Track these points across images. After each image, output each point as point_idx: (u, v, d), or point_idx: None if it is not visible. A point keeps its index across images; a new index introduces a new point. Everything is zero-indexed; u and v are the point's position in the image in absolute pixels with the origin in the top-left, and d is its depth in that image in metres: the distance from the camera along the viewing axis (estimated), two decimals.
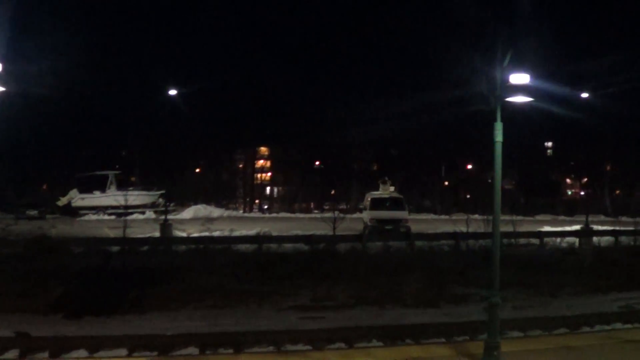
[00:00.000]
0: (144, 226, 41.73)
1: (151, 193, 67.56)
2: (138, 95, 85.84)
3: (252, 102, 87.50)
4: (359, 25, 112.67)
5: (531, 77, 11.74)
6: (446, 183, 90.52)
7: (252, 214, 78.45)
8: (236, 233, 37.82)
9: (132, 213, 54.25)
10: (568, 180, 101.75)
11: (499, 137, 11.90)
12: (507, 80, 11.65)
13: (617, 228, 40.28)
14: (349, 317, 19.59)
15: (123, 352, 14.63)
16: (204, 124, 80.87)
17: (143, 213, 60.03)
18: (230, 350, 14.95)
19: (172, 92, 49.65)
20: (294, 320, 19.09)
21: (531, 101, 11.87)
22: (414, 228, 40.30)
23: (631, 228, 38.24)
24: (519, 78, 11.62)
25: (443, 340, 15.96)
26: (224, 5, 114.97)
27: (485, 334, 12.68)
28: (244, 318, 19.34)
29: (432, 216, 69.57)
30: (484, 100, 11.95)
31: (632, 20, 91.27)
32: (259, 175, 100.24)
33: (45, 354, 14.31)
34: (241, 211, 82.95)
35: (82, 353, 14.46)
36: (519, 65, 11.66)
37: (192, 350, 14.92)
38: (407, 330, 16.72)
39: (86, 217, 60.64)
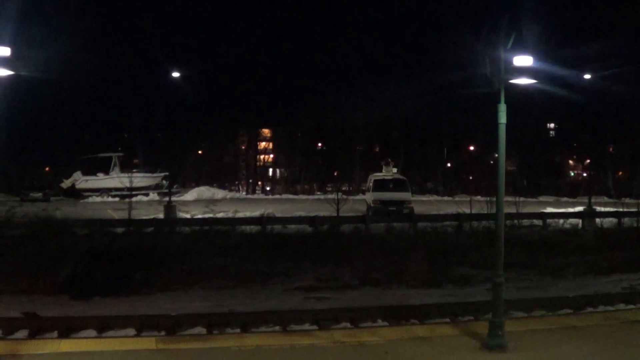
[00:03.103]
0: (148, 208, 41.92)
1: (154, 175, 67.87)
2: (141, 77, 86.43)
3: (255, 84, 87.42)
4: (363, 6, 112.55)
5: (534, 59, 11.81)
6: (449, 165, 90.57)
7: (255, 196, 78.76)
8: (240, 214, 38.02)
9: (135, 195, 54.26)
10: (570, 162, 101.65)
11: (502, 118, 11.96)
12: (511, 62, 11.71)
13: (620, 209, 40.13)
14: (353, 298, 19.70)
15: (131, 332, 14.66)
16: (206, 106, 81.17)
17: (147, 195, 60.28)
18: (237, 330, 14.94)
19: (175, 74, 49.77)
20: (299, 301, 19.18)
21: (534, 83, 11.93)
22: (417, 209, 40.53)
23: (634, 210, 37.72)
24: (523, 60, 11.69)
25: (447, 320, 16.01)
26: None
27: (489, 314, 12.82)
28: (249, 299, 19.41)
29: (435, 197, 69.65)
30: (487, 82, 12.00)
31: (632, 2, 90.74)
32: (261, 157, 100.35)
33: (54, 334, 14.28)
34: (244, 193, 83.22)
35: (91, 333, 14.46)
36: (522, 47, 11.74)
37: (199, 330, 14.95)
38: (412, 311, 16.77)
39: (90, 199, 61.02)
